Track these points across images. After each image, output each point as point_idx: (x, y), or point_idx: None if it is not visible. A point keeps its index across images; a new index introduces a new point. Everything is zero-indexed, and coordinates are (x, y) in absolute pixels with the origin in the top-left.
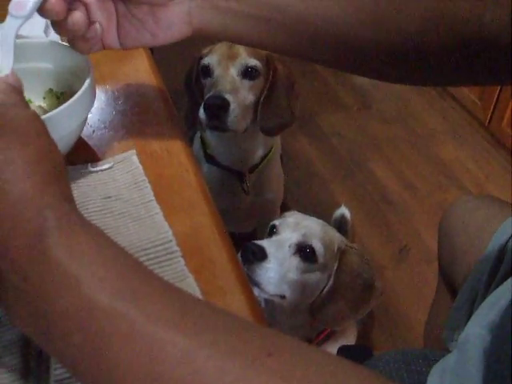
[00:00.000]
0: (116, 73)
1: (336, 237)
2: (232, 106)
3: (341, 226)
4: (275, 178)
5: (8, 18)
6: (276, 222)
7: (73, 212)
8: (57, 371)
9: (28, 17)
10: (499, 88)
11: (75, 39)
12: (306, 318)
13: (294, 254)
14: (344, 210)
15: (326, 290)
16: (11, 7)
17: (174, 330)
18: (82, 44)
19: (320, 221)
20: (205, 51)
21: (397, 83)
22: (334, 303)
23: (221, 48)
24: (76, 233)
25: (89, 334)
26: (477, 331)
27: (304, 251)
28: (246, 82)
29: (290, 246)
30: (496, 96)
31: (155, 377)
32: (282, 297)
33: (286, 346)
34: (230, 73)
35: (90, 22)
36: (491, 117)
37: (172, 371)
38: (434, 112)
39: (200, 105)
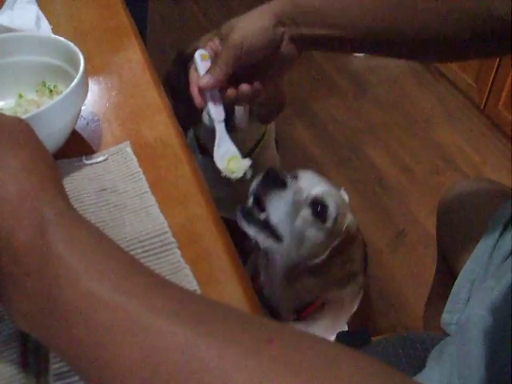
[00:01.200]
0: (109, 64)
1: (350, 217)
2: (237, 107)
3: None
4: (270, 162)
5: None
6: (299, 171)
7: (69, 208)
8: (56, 365)
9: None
10: (495, 70)
11: None
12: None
13: (308, 205)
14: (343, 194)
15: (316, 261)
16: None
17: (173, 321)
18: None
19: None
20: (190, 50)
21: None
22: (314, 276)
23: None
24: (74, 228)
25: (89, 326)
26: (478, 313)
27: (317, 207)
28: None
29: (307, 196)
30: (491, 78)
31: (156, 367)
32: (279, 239)
33: (285, 334)
34: None
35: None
36: (487, 99)
37: (173, 360)
38: (430, 95)
39: (190, 102)
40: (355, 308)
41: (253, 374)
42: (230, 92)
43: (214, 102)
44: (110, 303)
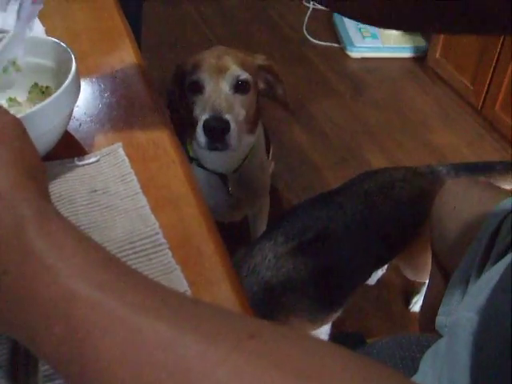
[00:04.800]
0: (102, 65)
1: None
2: (232, 126)
3: None
4: (259, 168)
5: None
6: None
7: (49, 207)
8: (45, 366)
9: None
10: (491, 72)
11: None
12: None
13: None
14: None
15: None
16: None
17: (155, 318)
18: None
19: None
20: (188, 66)
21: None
22: None
23: (208, 60)
24: (54, 226)
25: (70, 324)
26: (466, 315)
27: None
28: (238, 97)
29: None
30: (488, 80)
31: (139, 364)
32: None
33: (268, 329)
34: (222, 88)
35: None
36: (484, 101)
37: (155, 358)
38: (427, 97)
39: (185, 119)
40: None
41: (234, 369)
42: None
43: None
44: (90, 300)
